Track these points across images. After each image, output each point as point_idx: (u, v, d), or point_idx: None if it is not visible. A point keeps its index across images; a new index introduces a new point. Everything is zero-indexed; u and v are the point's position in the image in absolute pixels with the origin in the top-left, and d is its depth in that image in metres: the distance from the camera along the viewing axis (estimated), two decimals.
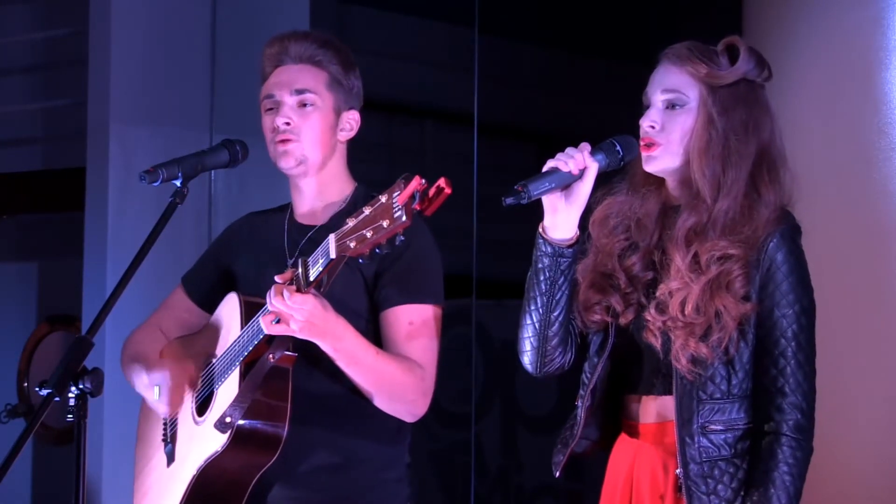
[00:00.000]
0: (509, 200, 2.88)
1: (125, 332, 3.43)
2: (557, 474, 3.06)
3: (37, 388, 2.92)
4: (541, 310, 3.00)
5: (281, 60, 3.27)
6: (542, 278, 2.98)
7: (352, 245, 2.75)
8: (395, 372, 3.07)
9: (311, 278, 2.89)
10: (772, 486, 2.83)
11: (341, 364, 3.04)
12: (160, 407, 3.24)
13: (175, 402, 3.24)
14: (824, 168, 4.16)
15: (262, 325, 2.99)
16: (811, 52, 4.31)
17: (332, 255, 2.81)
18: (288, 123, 3.21)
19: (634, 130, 3.00)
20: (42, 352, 6.25)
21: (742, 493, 2.87)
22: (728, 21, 4.59)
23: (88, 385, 2.89)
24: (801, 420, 2.86)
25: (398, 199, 2.69)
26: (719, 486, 2.87)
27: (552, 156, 2.95)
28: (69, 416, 2.90)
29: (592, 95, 5.95)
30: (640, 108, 3.01)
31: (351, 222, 2.77)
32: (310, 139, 3.21)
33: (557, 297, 2.99)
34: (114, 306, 3.02)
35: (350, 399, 3.12)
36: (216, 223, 5.57)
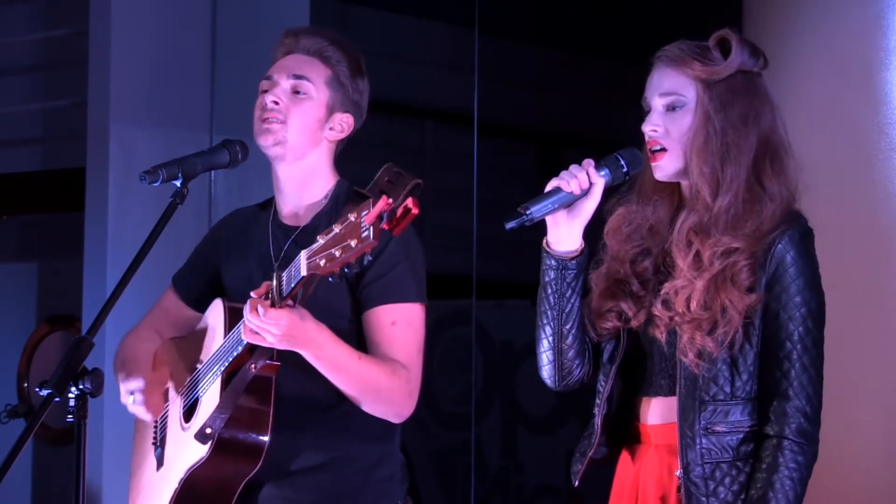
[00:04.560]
0: (512, 224, 2.87)
1: (125, 333, 3.43)
2: (576, 484, 3.04)
3: (37, 389, 2.91)
4: (552, 323, 3.00)
5: (290, 51, 3.27)
6: (549, 292, 2.98)
7: (322, 263, 2.76)
8: (380, 376, 3.06)
9: (285, 294, 2.89)
10: (770, 491, 2.81)
11: (324, 371, 3.03)
12: (139, 412, 3.23)
13: (154, 406, 3.23)
14: (824, 168, 4.15)
15: (241, 336, 2.98)
16: (811, 52, 4.31)
17: (303, 273, 2.81)
18: (276, 103, 3.19)
19: (634, 131, 3.00)
20: (42, 352, 6.25)
21: (742, 496, 2.85)
22: (728, 21, 4.58)
23: (88, 385, 2.89)
24: (805, 424, 2.84)
25: (366, 219, 2.69)
26: (720, 489, 2.86)
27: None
28: (69, 416, 2.90)
29: (592, 95, 5.95)
30: (640, 108, 3.01)
31: (321, 240, 2.78)
32: (295, 125, 3.19)
33: (567, 310, 2.99)
34: (114, 306, 3.02)
35: (335, 399, 3.11)
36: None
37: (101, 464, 5.25)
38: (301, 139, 3.20)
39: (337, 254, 2.73)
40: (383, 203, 2.68)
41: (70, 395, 2.89)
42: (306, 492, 3.15)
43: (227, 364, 3.05)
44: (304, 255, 2.81)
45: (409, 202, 2.66)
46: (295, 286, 2.87)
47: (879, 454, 4.10)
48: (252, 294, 2.94)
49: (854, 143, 4.21)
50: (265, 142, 3.20)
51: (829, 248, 4.02)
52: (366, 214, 2.69)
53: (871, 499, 4.08)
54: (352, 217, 2.73)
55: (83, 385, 2.89)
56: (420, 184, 3.20)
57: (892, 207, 4.15)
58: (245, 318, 2.94)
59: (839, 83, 4.25)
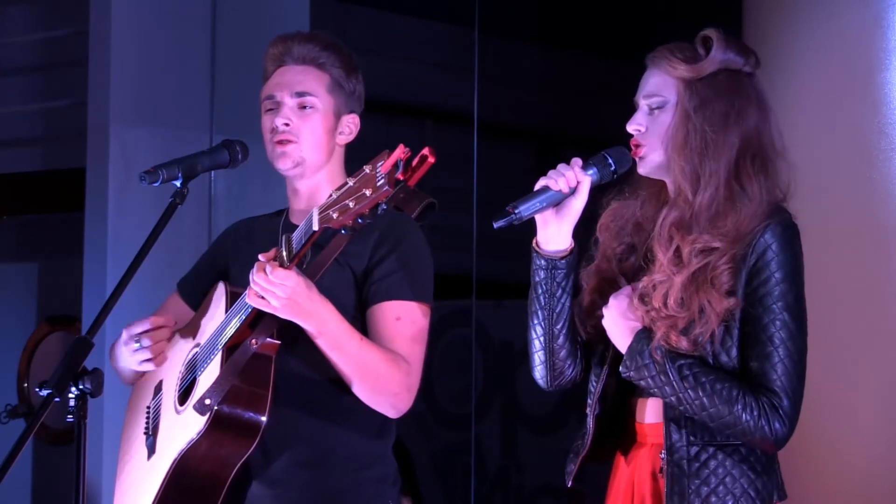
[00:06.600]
0: (500, 223, 2.88)
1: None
2: (570, 484, 3.04)
3: (37, 389, 2.92)
4: (543, 324, 3.00)
5: (283, 60, 3.27)
6: (539, 292, 2.99)
7: (335, 216, 2.75)
8: (380, 362, 3.05)
9: (295, 251, 2.89)
10: (711, 393, 2.80)
11: (324, 348, 3.02)
12: (145, 366, 3.20)
13: (158, 355, 3.20)
14: (824, 168, 4.15)
15: (245, 300, 2.98)
16: (811, 52, 4.32)
17: (315, 228, 2.80)
18: (287, 124, 3.20)
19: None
20: (42, 352, 6.26)
21: (725, 478, 2.86)
22: (728, 21, 4.59)
23: (88, 385, 2.89)
24: (781, 415, 2.82)
25: (381, 168, 2.70)
26: (703, 470, 2.86)
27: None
28: (69, 416, 2.90)
29: (592, 95, 5.95)
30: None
31: (335, 194, 2.77)
32: (308, 142, 3.21)
33: (558, 310, 2.99)
34: (114, 307, 3.02)
35: (331, 391, 3.10)
36: (216, 223, 5.57)
37: (101, 464, 5.25)
38: (316, 153, 3.22)
39: (351, 205, 2.73)
40: (400, 151, 2.68)
41: (70, 395, 2.89)
42: (297, 490, 3.13)
43: (228, 337, 3.04)
44: (315, 210, 2.81)
45: (426, 150, 2.66)
46: (306, 242, 2.86)
47: (878, 453, 4.10)
48: (260, 257, 2.95)
49: (854, 143, 4.21)
50: (283, 165, 3.21)
51: (829, 248, 4.03)
52: (381, 164, 2.69)
53: (870, 496, 4.08)
54: (367, 169, 2.73)
55: (83, 385, 2.89)
56: (434, 203, 3.21)
57: (892, 207, 4.15)
58: (251, 281, 2.93)
59: (839, 83, 4.25)
